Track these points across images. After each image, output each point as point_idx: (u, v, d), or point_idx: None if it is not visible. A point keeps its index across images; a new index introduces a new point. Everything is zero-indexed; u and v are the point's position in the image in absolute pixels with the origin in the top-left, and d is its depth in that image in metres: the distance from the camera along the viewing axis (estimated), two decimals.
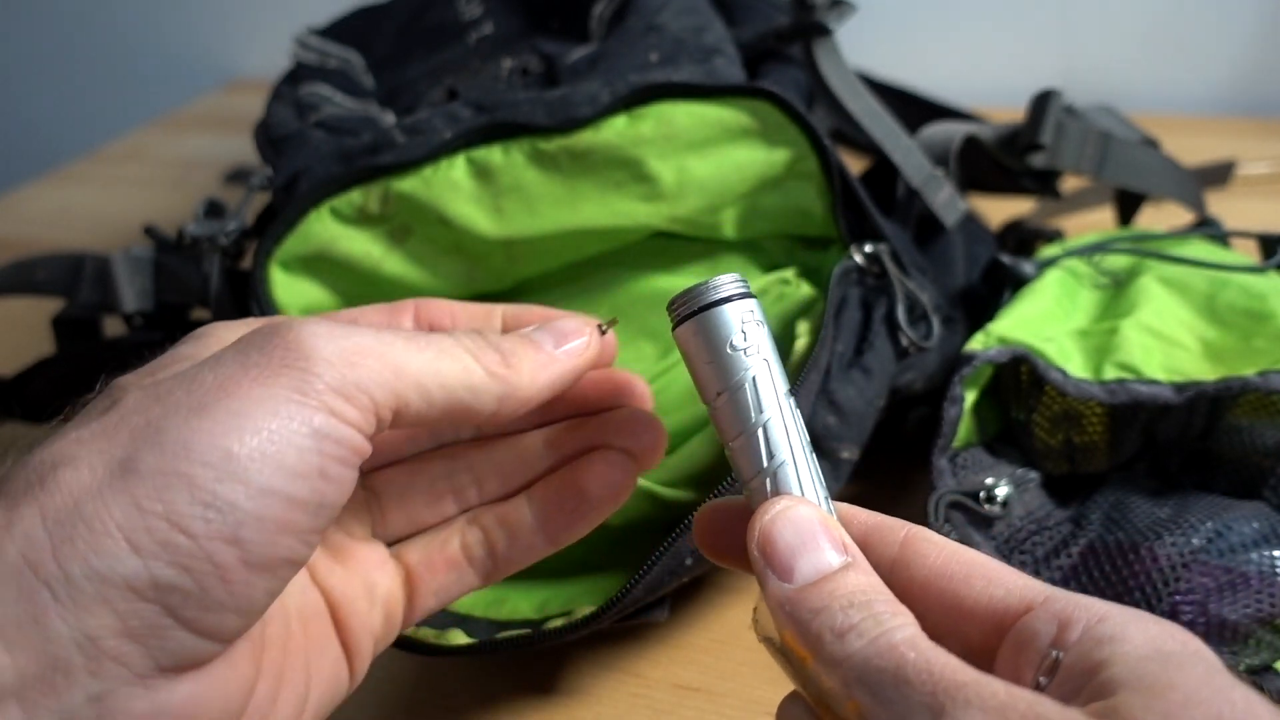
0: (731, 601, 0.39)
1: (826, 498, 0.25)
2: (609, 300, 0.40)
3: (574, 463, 0.30)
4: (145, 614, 0.21)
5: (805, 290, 0.39)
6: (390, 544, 0.30)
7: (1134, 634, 0.20)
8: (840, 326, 0.37)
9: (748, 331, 0.26)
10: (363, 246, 0.39)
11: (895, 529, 0.24)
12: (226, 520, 0.21)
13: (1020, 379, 0.39)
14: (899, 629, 0.21)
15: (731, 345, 0.26)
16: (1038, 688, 0.21)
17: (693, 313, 0.27)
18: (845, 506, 0.25)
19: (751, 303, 0.27)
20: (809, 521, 0.24)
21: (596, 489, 0.30)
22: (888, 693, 0.20)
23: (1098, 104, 0.51)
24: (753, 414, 0.26)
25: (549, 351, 0.28)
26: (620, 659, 0.37)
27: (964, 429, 0.38)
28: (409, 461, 0.31)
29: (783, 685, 0.35)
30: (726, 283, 0.27)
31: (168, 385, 0.23)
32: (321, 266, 0.39)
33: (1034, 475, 0.39)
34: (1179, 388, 0.36)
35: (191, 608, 0.21)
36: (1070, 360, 0.37)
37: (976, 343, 0.38)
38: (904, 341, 0.38)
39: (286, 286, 0.39)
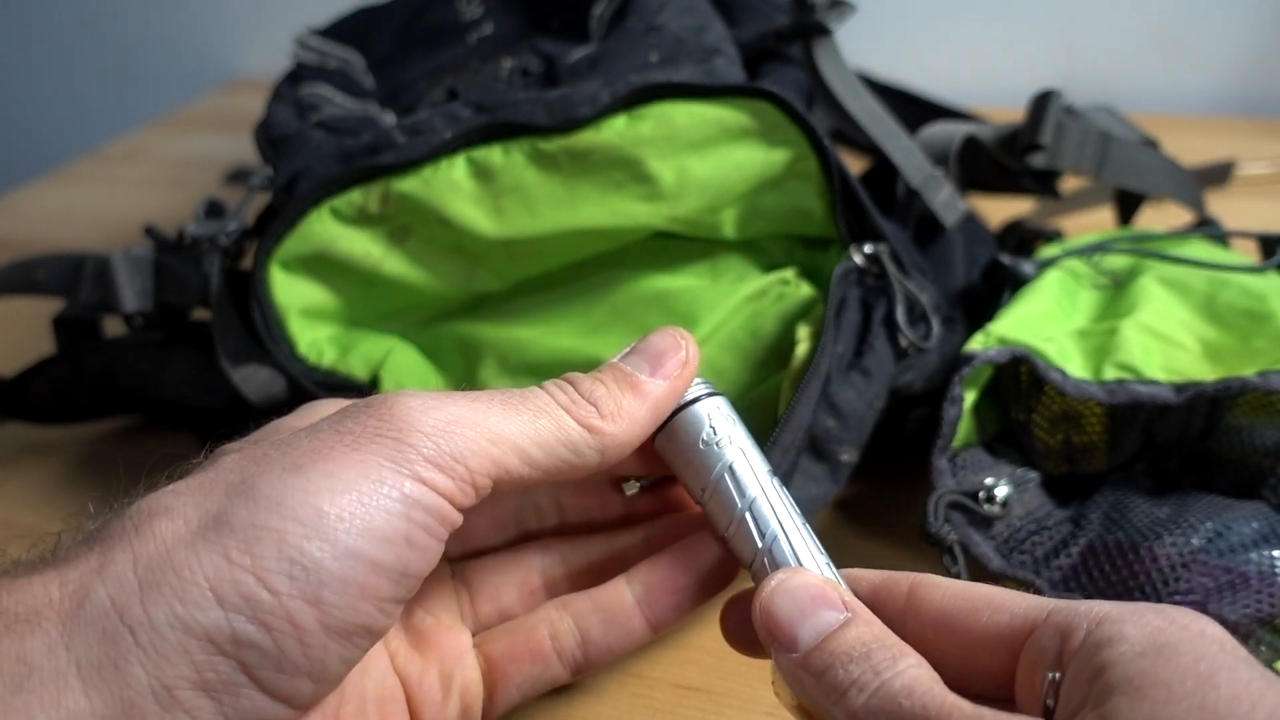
0: None
1: (828, 563, 0.26)
2: (609, 300, 0.40)
3: (684, 540, 0.29)
4: (222, 669, 0.21)
5: (805, 290, 0.39)
6: (476, 634, 0.29)
7: (1130, 631, 0.20)
8: (840, 328, 0.37)
9: (717, 426, 0.27)
10: (363, 246, 0.39)
11: (900, 581, 0.25)
12: (310, 579, 0.21)
13: (1020, 379, 0.39)
14: (896, 676, 0.21)
15: (703, 441, 0.27)
16: (1047, 711, 0.21)
17: (663, 422, 0.27)
18: (852, 570, 0.26)
19: (718, 400, 0.28)
20: (804, 588, 0.24)
21: (712, 565, 0.28)
22: None
23: (1098, 104, 0.51)
24: (737, 500, 0.26)
25: (644, 384, 0.27)
26: (620, 659, 0.37)
27: (964, 429, 0.38)
28: (501, 551, 0.31)
29: None
30: (691, 387, 0.28)
31: (264, 448, 0.24)
32: (322, 266, 0.39)
33: (1034, 475, 0.39)
34: (1178, 388, 0.36)
35: (268, 667, 0.21)
36: (1070, 360, 0.37)
37: (976, 343, 0.38)
38: (903, 342, 0.38)
39: (286, 286, 0.39)
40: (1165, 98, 0.79)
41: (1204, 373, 0.36)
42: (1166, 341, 0.38)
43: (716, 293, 0.39)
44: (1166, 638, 0.20)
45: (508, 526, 0.31)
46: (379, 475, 0.23)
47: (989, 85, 0.78)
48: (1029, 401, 0.39)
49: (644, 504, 0.31)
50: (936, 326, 0.39)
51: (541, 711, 0.35)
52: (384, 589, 0.22)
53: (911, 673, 0.21)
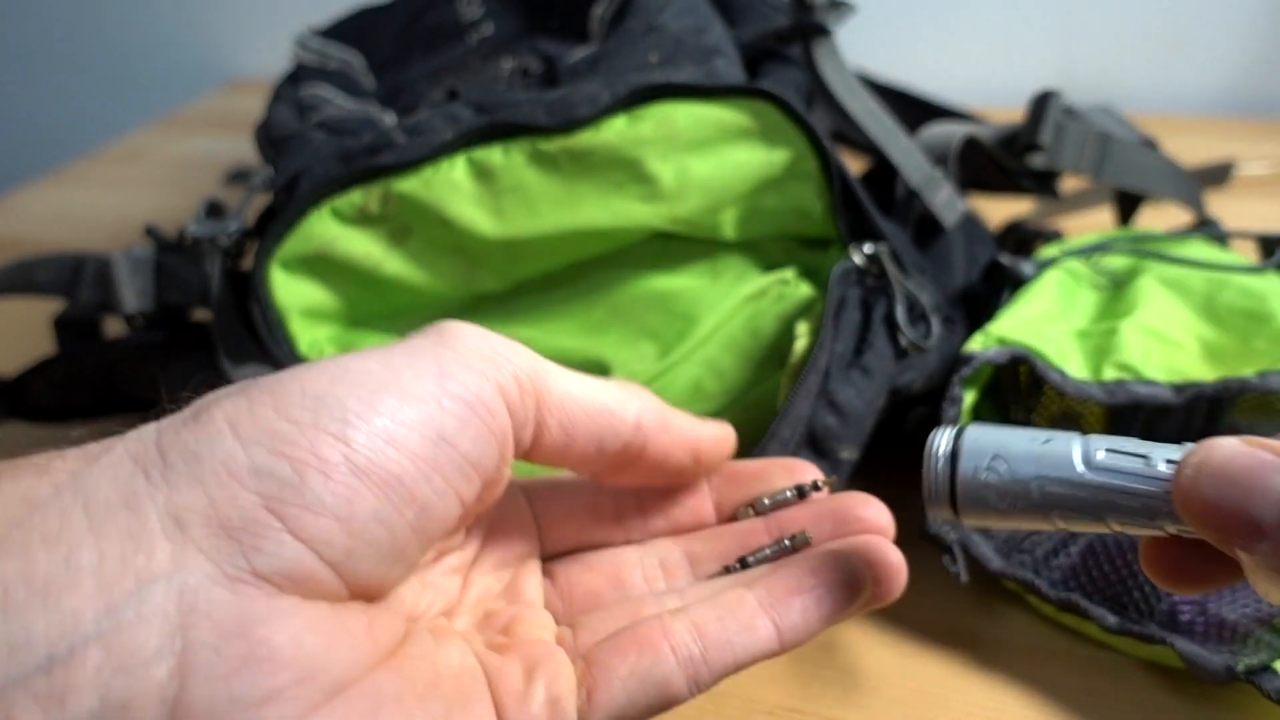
0: None
1: None
2: (609, 300, 0.40)
3: (808, 552, 0.28)
4: (241, 502, 0.19)
5: (805, 290, 0.39)
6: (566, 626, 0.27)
7: None
8: (840, 327, 0.37)
9: (997, 485, 0.23)
10: (363, 247, 0.39)
11: None
12: (334, 415, 0.20)
13: (1019, 379, 0.39)
14: None
15: (1001, 509, 0.23)
16: None
17: (955, 513, 0.24)
18: None
19: (972, 451, 0.23)
20: (1233, 459, 0.19)
21: (843, 573, 0.26)
22: None
23: (1097, 104, 0.51)
24: (1092, 521, 0.22)
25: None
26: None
27: None
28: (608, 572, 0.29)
29: (783, 684, 0.35)
30: (935, 462, 0.24)
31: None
32: (322, 267, 0.39)
33: None
34: (1178, 388, 0.36)
35: (290, 500, 0.20)
36: (1069, 361, 0.37)
37: (976, 343, 0.38)
38: (903, 342, 0.38)
39: (287, 287, 0.39)
40: (1165, 98, 0.79)
41: (1203, 373, 0.36)
42: (1166, 342, 0.38)
43: (716, 293, 0.39)
44: None
45: (613, 532, 0.30)
46: (415, 347, 0.23)
47: (989, 85, 0.78)
48: (1028, 402, 0.39)
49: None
50: (936, 326, 0.39)
51: None
52: (412, 443, 0.21)
53: None
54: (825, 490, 0.30)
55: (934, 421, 0.37)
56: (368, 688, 0.21)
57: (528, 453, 0.25)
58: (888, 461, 0.42)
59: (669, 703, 0.24)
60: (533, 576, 0.29)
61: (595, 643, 0.25)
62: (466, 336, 0.24)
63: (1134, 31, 0.78)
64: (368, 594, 0.22)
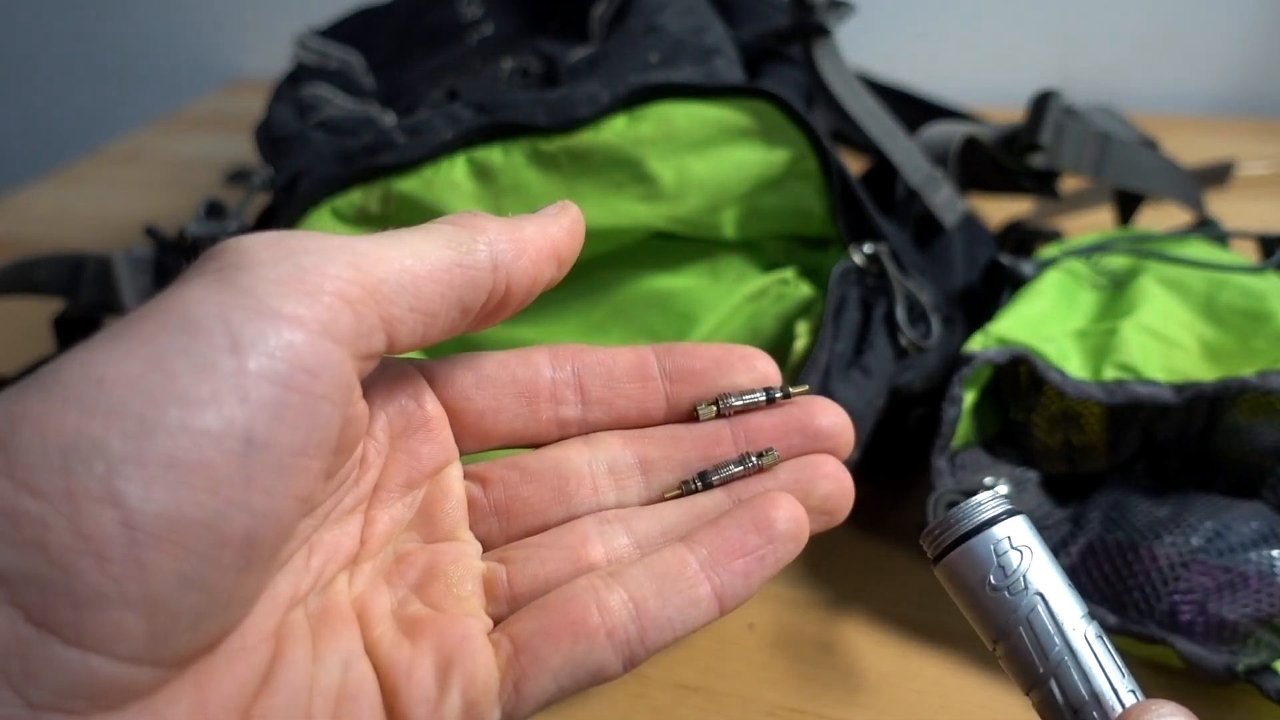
0: None
1: None
2: (609, 300, 0.40)
3: (754, 499, 0.25)
4: None
5: (805, 290, 0.39)
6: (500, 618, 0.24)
7: None
8: (840, 327, 0.37)
9: (1007, 565, 0.22)
10: None
11: None
12: (92, 469, 0.15)
13: (1019, 379, 0.39)
14: None
15: (990, 584, 0.22)
16: None
17: (940, 553, 0.23)
18: None
19: (1011, 525, 0.23)
20: None
21: (784, 522, 0.24)
22: None
23: (1097, 104, 0.51)
24: (1037, 663, 0.21)
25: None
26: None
27: (963, 429, 0.38)
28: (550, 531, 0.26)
29: (783, 684, 0.36)
30: (974, 508, 0.23)
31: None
32: None
33: (1033, 475, 0.39)
34: (1178, 388, 0.36)
35: (59, 603, 0.15)
36: (1069, 360, 0.37)
37: (975, 343, 0.38)
38: (903, 341, 0.38)
39: None
40: (1165, 98, 0.79)
41: (1203, 373, 0.36)
42: (1166, 342, 0.38)
43: (716, 293, 0.39)
44: None
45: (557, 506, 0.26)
46: (187, 320, 0.17)
47: (989, 85, 0.78)
48: (1028, 401, 0.39)
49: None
50: (936, 326, 0.39)
51: (540, 711, 0.35)
52: (219, 467, 0.16)
53: None
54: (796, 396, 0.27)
55: (934, 422, 0.37)
56: None
57: (387, 352, 0.21)
58: (888, 461, 0.42)
59: (601, 682, 0.23)
60: (452, 492, 0.25)
61: (520, 625, 0.23)
62: (260, 262, 0.18)
63: (1134, 31, 0.78)
64: (200, 653, 0.18)
